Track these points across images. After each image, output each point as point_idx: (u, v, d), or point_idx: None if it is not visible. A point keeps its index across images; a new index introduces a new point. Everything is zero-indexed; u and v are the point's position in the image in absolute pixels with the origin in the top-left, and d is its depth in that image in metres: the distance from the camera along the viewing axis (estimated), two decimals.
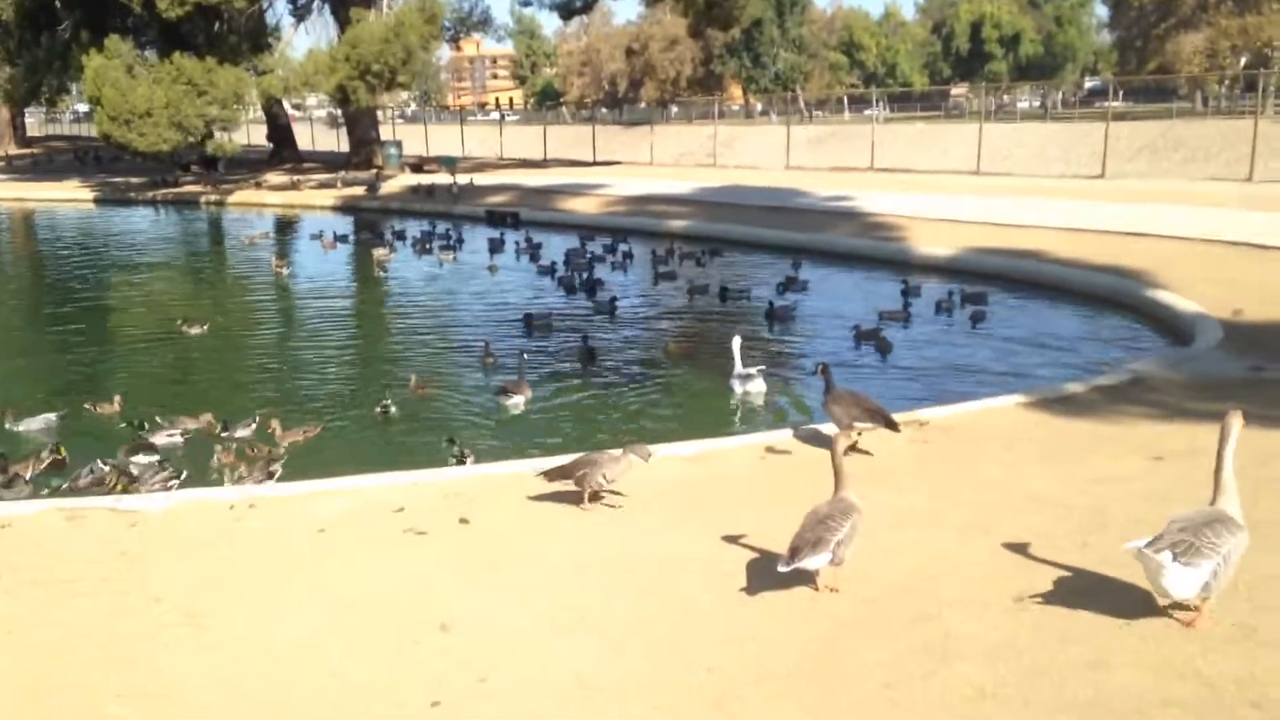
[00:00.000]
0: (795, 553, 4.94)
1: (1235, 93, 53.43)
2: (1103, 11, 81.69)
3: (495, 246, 21.52)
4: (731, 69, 71.98)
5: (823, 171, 35.90)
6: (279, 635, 4.88)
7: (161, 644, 4.81)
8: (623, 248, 20.45)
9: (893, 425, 7.48)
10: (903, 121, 51.28)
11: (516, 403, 10.54)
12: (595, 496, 6.56)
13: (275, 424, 9.54)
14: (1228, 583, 4.54)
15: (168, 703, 4.32)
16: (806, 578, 5.13)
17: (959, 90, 69.26)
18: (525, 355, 11.68)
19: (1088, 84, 73.65)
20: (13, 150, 53.13)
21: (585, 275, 17.75)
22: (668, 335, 13.77)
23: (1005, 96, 58.78)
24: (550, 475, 6.63)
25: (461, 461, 8.36)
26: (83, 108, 60.21)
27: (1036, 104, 62.80)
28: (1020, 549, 5.53)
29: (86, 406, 10.37)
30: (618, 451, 6.61)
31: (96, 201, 35.14)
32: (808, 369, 10.93)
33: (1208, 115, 45.28)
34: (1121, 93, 56.28)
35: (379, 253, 21.18)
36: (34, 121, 69.54)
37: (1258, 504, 5.50)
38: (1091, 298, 14.58)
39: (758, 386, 10.57)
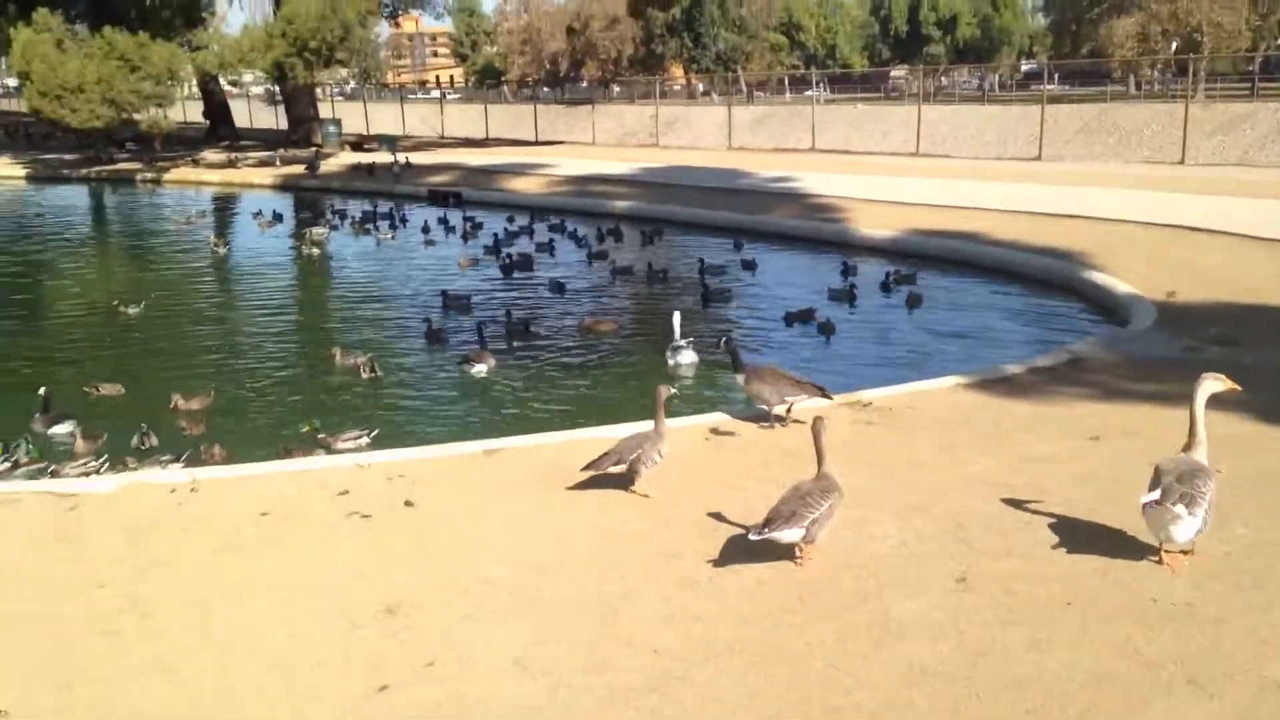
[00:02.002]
0: (769, 522, 5.05)
1: (1167, 77, 54.43)
2: None
3: (436, 226, 21.34)
4: (672, 49, 71.81)
5: (765, 152, 36.03)
6: (221, 621, 4.83)
7: (103, 631, 4.74)
8: (569, 228, 20.40)
9: (825, 393, 7.68)
10: (843, 103, 51.58)
11: (480, 370, 10.87)
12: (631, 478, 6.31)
13: (177, 397, 9.52)
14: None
15: (108, 690, 4.26)
16: (776, 550, 5.19)
17: (898, 72, 69.76)
18: (485, 326, 12.06)
19: (1024, 67, 74.53)
20: None
21: (515, 255, 17.74)
22: (595, 314, 13.84)
23: (943, 79, 59.34)
24: (597, 467, 6.25)
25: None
26: (12, 82, 58.58)
27: (974, 86, 63.56)
28: (959, 529, 5.63)
29: (86, 389, 10.12)
30: (647, 428, 6.45)
31: (29, 179, 34.26)
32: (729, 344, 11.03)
33: (1140, 99, 46.08)
34: (1057, 76, 57.03)
35: (315, 231, 20.94)
36: None
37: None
38: (1030, 279, 14.82)
39: (688, 357, 11.00)
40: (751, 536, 5.06)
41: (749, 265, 16.62)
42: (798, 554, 5.24)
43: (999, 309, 13.63)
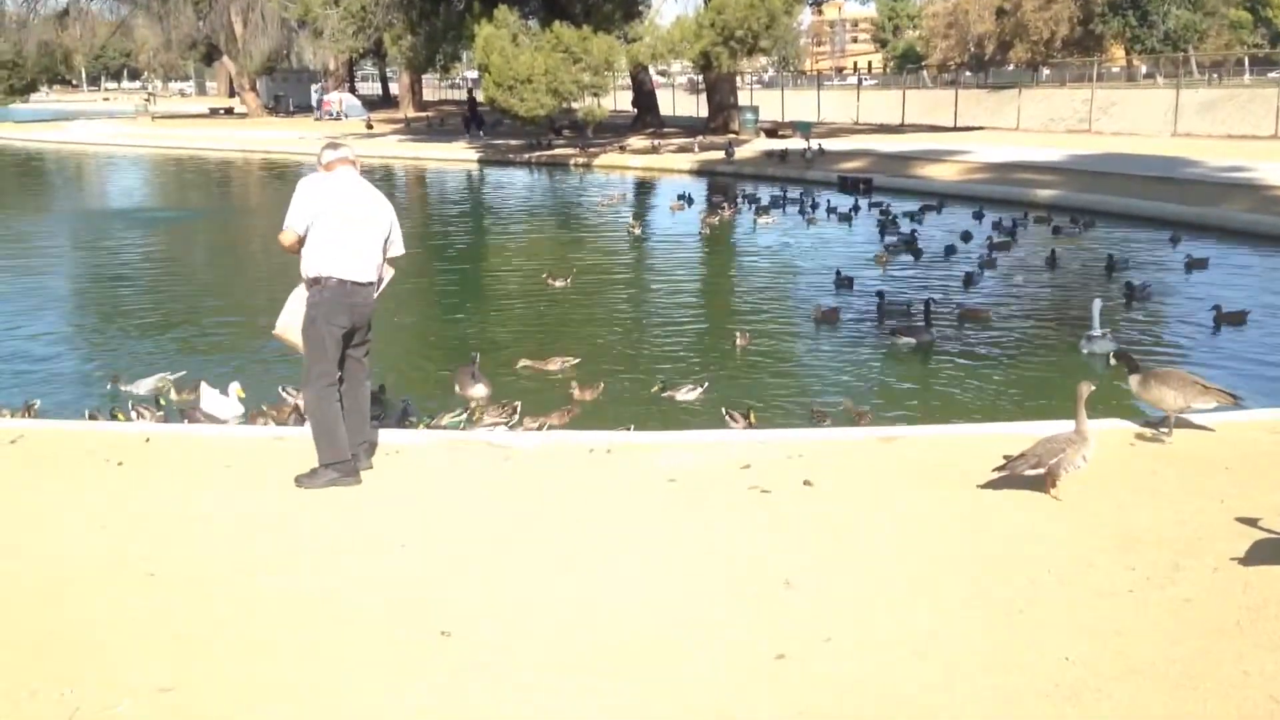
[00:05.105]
0: None
1: None
2: None
3: (848, 213, 21.30)
4: (1114, 28, 66.57)
5: (1215, 139, 32.66)
6: (636, 576, 5.12)
7: (526, 569, 5.19)
8: (998, 217, 19.55)
9: (1236, 400, 7.04)
10: None
11: (909, 343, 11.16)
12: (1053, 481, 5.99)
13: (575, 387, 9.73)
14: None
15: (530, 616, 4.66)
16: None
17: None
18: (932, 304, 12.27)
19: None
20: (411, 113, 58.31)
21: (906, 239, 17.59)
22: (986, 303, 13.36)
23: None
24: (1012, 469, 5.96)
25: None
26: (472, 74, 65.25)
27: None
28: None
29: (526, 364, 10.67)
30: (1068, 430, 6.08)
31: (480, 163, 37.94)
32: (1166, 353, 10.06)
33: None
34: None
35: (719, 214, 21.74)
36: (429, 86, 75.78)
37: None
38: None
39: (1103, 347, 10.42)
40: None
41: (1197, 264, 15.05)
42: None
43: None
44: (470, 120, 46.88)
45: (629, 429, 7.90)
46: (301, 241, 6.37)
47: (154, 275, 17.48)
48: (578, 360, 10.63)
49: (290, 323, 6.62)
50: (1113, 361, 7.98)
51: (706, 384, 9.66)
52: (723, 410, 8.78)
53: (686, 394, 9.47)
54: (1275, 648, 4.22)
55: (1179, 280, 14.64)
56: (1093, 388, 6.26)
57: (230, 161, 41.30)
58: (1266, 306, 12.72)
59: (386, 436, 7.32)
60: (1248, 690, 3.93)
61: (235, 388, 8.82)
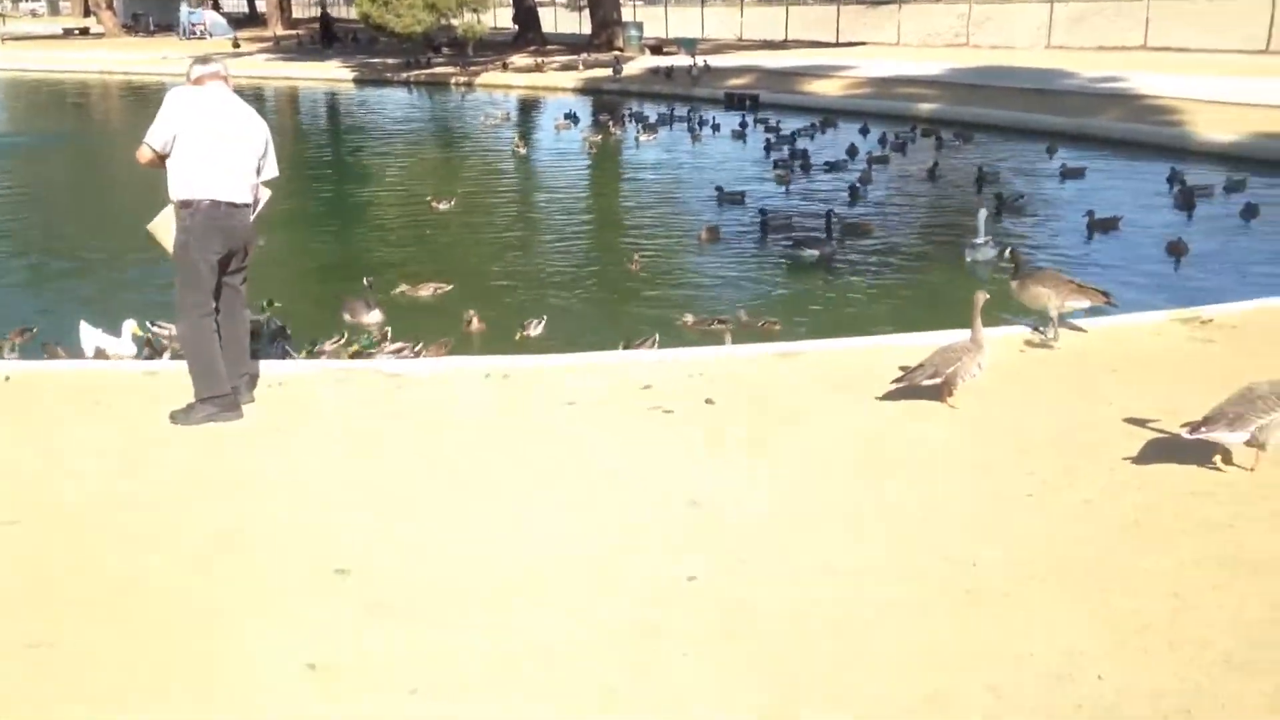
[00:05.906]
0: (1207, 422, 4.78)
1: None
2: None
3: (739, 130, 21.19)
4: None
5: (1088, 51, 33.35)
6: (539, 503, 4.98)
7: (425, 501, 5.01)
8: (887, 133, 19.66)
9: (1109, 299, 7.10)
10: None
11: (811, 254, 11.19)
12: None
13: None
14: None
15: (429, 554, 4.49)
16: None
17: None
18: (834, 214, 12.34)
19: None
20: (280, 31, 55.73)
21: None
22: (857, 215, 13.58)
23: None
24: (910, 380, 5.94)
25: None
26: None
27: None
28: None
29: (401, 289, 10.42)
30: (963, 339, 6.09)
31: (355, 82, 36.57)
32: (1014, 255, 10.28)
33: None
34: None
35: (607, 133, 21.47)
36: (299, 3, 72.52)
37: None
38: None
39: (986, 254, 10.65)
40: (1185, 435, 4.80)
41: (1073, 173, 15.41)
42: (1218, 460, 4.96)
43: None
44: (324, 37, 45.83)
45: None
46: (162, 159, 5.93)
47: (6, 203, 16.43)
48: (451, 286, 10.38)
49: (165, 224, 6.16)
50: (1007, 255, 8.02)
51: (545, 317, 9.32)
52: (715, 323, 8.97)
53: (535, 329, 9.15)
54: (1172, 546, 4.30)
55: (1055, 189, 14.97)
56: (987, 296, 6.28)
57: (89, 84, 39.02)
58: (1140, 209, 13.10)
59: (270, 368, 6.98)
60: (1150, 586, 4.00)
61: (130, 325, 8.27)
